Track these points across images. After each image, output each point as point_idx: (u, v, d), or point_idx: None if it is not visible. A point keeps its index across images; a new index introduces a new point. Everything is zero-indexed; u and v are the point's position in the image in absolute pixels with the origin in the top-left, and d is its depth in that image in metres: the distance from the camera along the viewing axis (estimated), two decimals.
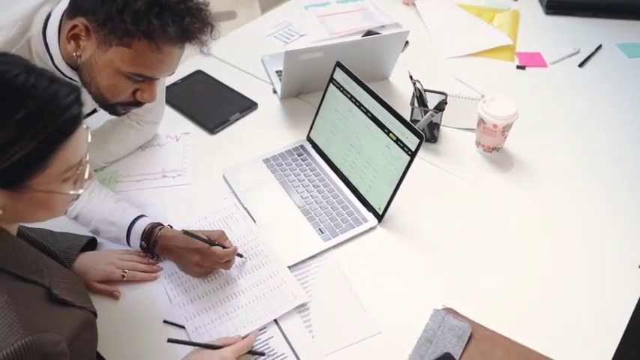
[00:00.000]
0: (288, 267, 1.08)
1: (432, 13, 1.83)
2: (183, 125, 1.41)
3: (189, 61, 1.62)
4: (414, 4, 1.87)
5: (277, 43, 1.71)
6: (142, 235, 1.07)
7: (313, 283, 1.07)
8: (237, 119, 1.43)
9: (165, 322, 1.00)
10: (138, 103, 1.03)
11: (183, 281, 1.07)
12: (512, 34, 1.75)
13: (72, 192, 0.75)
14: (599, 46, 1.70)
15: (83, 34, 0.93)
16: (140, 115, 1.30)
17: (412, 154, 1.09)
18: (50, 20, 0.99)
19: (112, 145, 1.27)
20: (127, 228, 1.07)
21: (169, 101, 1.43)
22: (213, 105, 1.46)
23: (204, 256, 1.03)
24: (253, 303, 1.03)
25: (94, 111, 1.43)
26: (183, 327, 0.99)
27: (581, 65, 1.63)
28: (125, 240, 1.08)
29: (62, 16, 0.98)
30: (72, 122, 0.70)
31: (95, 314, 0.90)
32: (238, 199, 1.22)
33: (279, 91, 1.50)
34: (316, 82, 1.35)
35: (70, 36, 0.95)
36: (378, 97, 1.16)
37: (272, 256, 1.10)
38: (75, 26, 0.93)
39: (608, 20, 1.81)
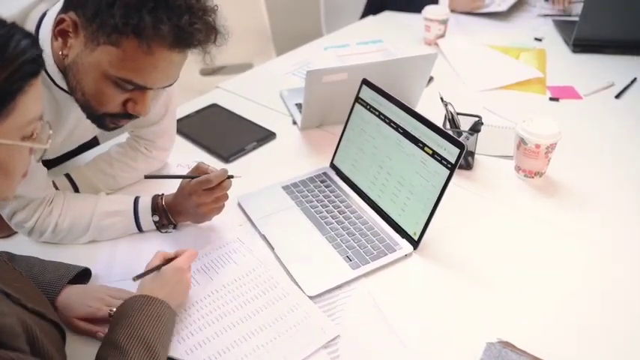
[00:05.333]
0: (312, 297, 0.94)
1: (455, 52, 1.77)
2: (195, 154, 1.31)
3: (204, 96, 1.55)
4: (436, 44, 1.82)
5: (296, 79, 1.65)
6: (152, 210, 1.03)
7: (341, 316, 0.91)
8: (254, 148, 1.33)
9: None
10: (129, 116, 0.90)
11: (188, 324, 0.89)
12: (541, 70, 1.67)
13: (36, 145, 0.69)
14: (634, 79, 1.61)
15: (71, 30, 0.82)
16: (149, 140, 1.20)
17: (452, 167, 0.97)
18: (45, 19, 0.89)
19: (117, 170, 1.16)
20: (132, 209, 1.02)
21: (181, 132, 1.35)
22: (228, 135, 1.37)
23: (197, 194, 0.99)
24: (275, 341, 0.87)
25: (96, 142, 1.35)
26: None
27: (617, 96, 1.54)
28: (135, 224, 1.03)
29: (58, 15, 0.86)
30: (34, 63, 0.64)
31: (62, 329, 0.78)
32: (255, 226, 1.09)
33: (299, 122, 1.41)
34: (339, 110, 1.25)
35: (57, 32, 0.83)
36: (410, 109, 1.06)
37: (290, 288, 0.96)
38: (62, 21, 0.82)
39: (638, 57, 1.74)
